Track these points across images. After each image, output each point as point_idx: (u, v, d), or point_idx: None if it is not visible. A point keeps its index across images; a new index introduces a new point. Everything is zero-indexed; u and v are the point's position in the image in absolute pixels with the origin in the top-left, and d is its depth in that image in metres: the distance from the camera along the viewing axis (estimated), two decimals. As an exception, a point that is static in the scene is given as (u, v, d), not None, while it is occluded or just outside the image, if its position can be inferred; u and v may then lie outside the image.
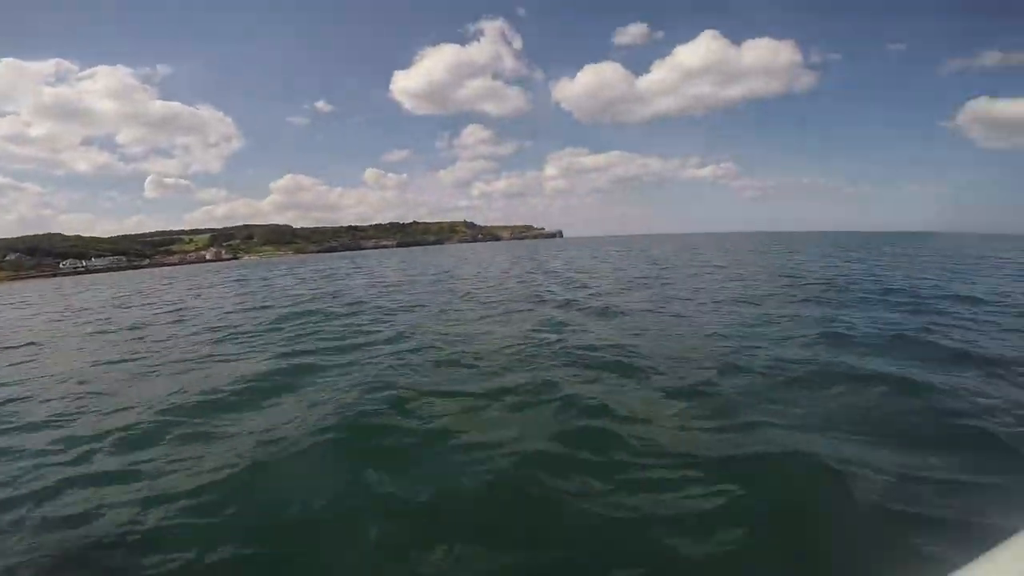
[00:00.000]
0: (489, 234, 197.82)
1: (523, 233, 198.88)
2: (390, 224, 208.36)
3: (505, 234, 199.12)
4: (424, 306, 10.70)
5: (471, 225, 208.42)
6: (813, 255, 22.89)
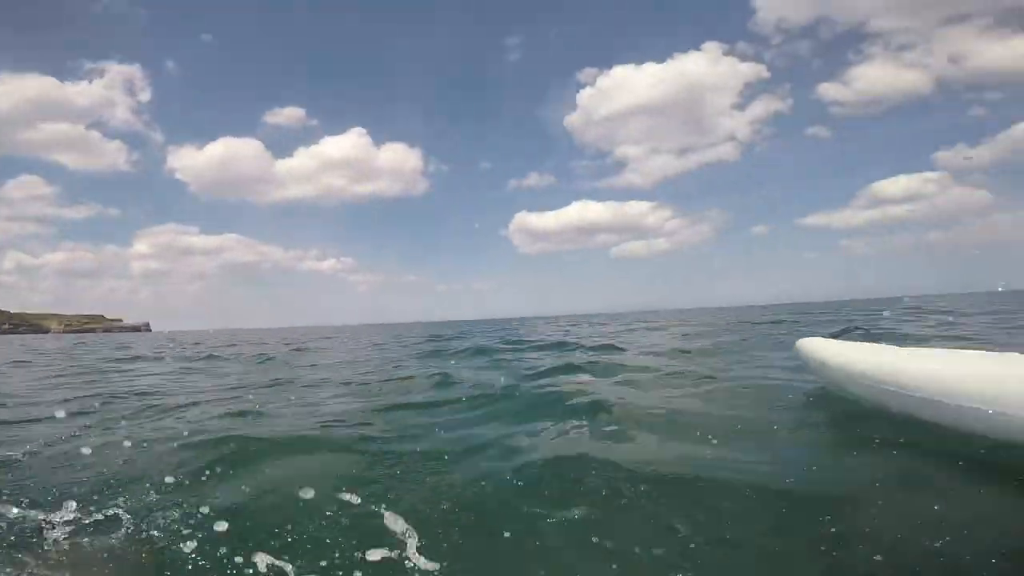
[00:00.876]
0: (25, 323, 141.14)
1: (89, 324, 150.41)
2: None
3: (54, 324, 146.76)
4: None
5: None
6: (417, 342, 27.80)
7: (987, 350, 3.04)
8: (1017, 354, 2.64)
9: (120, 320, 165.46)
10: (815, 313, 22.21)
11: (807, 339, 4.06)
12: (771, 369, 5.85)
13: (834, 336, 3.87)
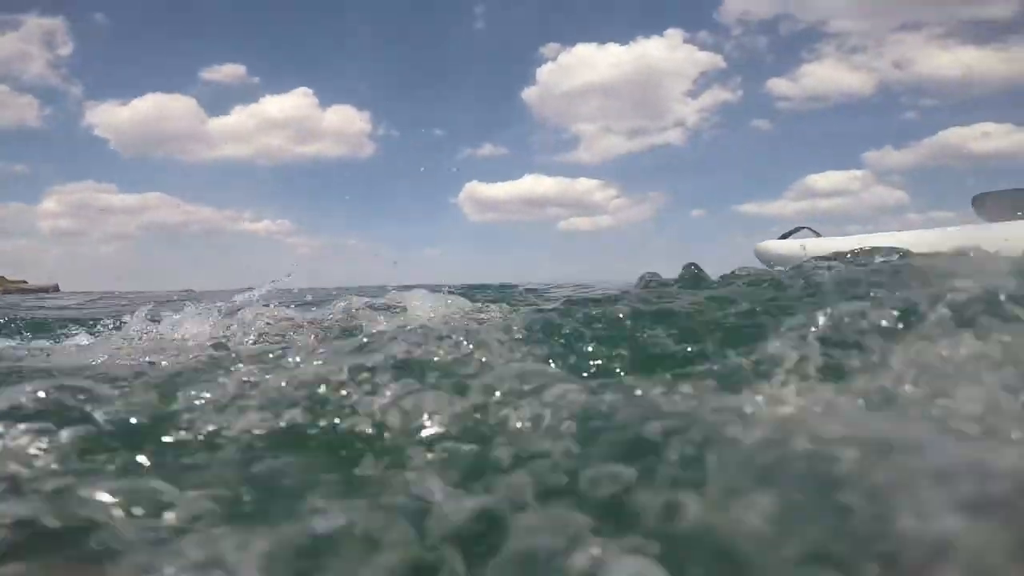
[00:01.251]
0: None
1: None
2: None
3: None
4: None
5: None
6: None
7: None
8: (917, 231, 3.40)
9: (24, 281, 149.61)
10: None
11: (764, 242, 4.80)
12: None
13: (783, 237, 4.66)
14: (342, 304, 2.51)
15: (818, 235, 4.73)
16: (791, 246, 4.60)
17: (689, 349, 1.41)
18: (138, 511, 0.77)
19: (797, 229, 4.86)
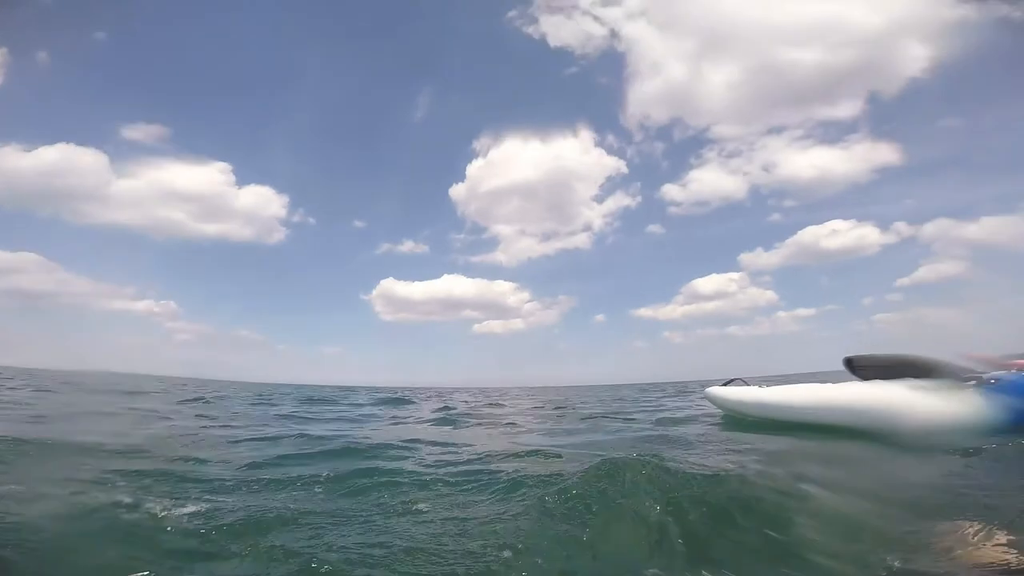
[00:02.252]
0: None
1: None
2: None
3: None
4: None
5: None
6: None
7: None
8: (831, 383, 5.55)
9: None
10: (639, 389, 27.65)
11: (711, 388, 7.06)
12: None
13: (724, 384, 6.93)
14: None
15: (747, 384, 6.61)
16: (732, 392, 6.57)
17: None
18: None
19: (733, 380, 6.73)
